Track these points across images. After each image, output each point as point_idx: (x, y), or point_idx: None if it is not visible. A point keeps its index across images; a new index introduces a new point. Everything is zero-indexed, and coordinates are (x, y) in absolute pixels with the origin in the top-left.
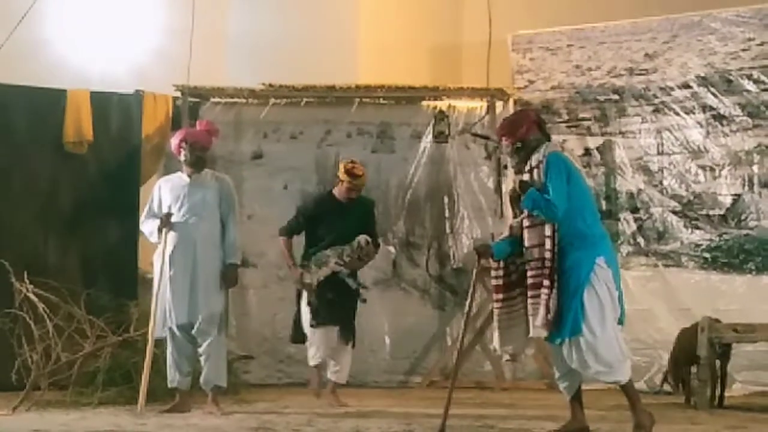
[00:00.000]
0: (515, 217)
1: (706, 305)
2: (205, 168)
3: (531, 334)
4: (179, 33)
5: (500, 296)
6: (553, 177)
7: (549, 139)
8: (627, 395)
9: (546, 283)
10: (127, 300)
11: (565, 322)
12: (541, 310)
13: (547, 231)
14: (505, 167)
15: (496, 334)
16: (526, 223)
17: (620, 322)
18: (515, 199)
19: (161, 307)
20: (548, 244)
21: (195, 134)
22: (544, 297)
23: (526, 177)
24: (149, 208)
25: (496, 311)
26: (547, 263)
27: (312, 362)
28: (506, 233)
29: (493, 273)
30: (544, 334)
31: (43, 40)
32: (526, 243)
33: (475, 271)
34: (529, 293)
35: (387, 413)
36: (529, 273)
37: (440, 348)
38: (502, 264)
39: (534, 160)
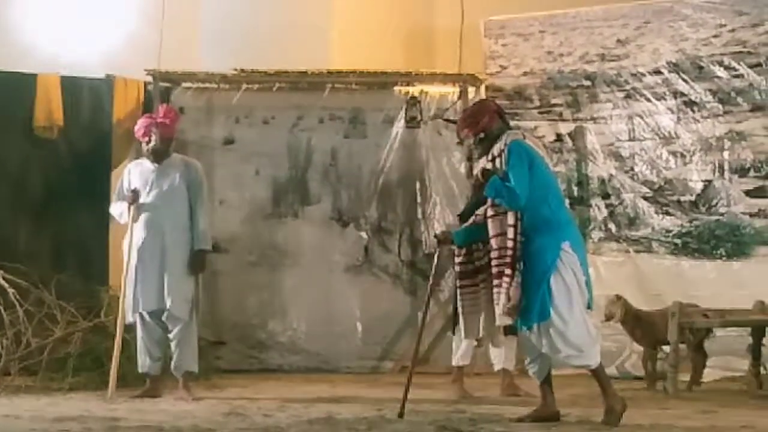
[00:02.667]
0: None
1: (677, 291)
2: (172, 153)
3: (497, 323)
4: (151, 17)
5: (464, 282)
6: (515, 165)
7: (509, 128)
8: (598, 379)
9: (507, 271)
10: (98, 285)
11: (532, 307)
12: (503, 299)
13: (510, 220)
14: (469, 159)
15: (461, 321)
16: (489, 212)
17: (589, 306)
18: (478, 188)
19: (131, 292)
20: (510, 233)
21: (158, 122)
22: (505, 285)
23: (488, 166)
24: (119, 192)
25: (459, 298)
26: (509, 252)
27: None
28: (471, 220)
29: (456, 260)
30: (508, 321)
31: (13, 25)
32: (490, 232)
33: (436, 258)
34: (494, 282)
35: (359, 398)
36: (492, 262)
37: (412, 333)
38: (465, 251)
39: (496, 149)
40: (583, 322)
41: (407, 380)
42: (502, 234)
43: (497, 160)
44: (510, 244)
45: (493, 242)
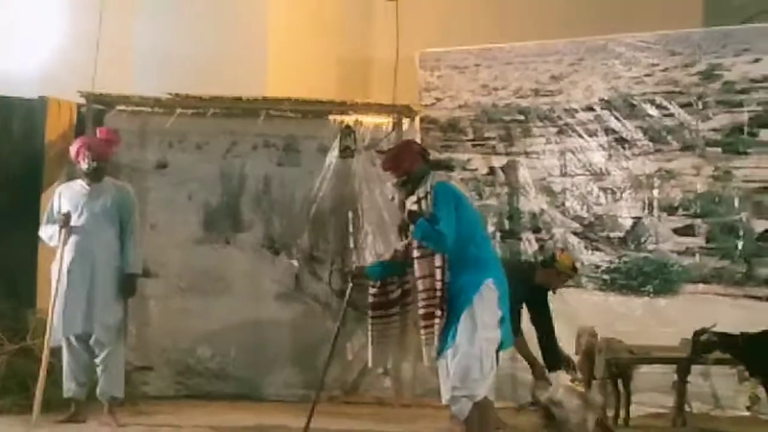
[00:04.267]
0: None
1: (604, 326)
2: (105, 176)
3: (427, 364)
4: (85, 39)
5: (375, 313)
6: (442, 207)
7: (433, 168)
8: (480, 411)
9: (438, 313)
10: (26, 307)
11: (444, 339)
12: (436, 342)
13: (437, 262)
14: (392, 198)
15: (369, 349)
16: (416, 254)
17: (502, 345)
18: (404, 229)
19: (58, 315)
20: (438, 274)
21: (95, 143)
22: (437, 327)
23: (414, 207)
24: (49, 215)
25: (369, 327)
26: (438, 293)
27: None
28: (387, 256)
29: (371, 291)
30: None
31: None
32: (417, 273)
33: (348, 291)
34: (422, 323)
35: (285, 428)
36: (420, 303)
37: (341, 362)
38: (379, 284)
39: (421, 190)
40: (479, 359)
41: (311, 407)
42: (430, 276)
43: (423, 202)
44: (438, 285)
45: (420, 284)
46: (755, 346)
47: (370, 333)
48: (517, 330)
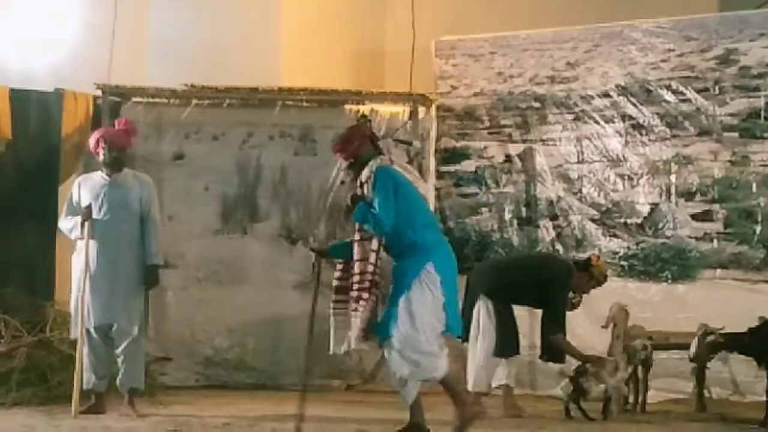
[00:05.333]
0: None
1: None
2: (125, 168)
3: (352, 346)
4: (101, 31)
5: (338, 298)
6: (380, 191)
7: (381, 154)
8: (446, 389)
9: (365, 296)
10: (44, 300)
11: (384, 326)
12: (357, 323)
13: (373, 245)
14: (342, 182)
15: (331, 334)
16: (356, 236)
17: (449, 329)
18: (349, 213)
19: (81, 307)
20: (372, 257)
21: (113, 134)
22: (360, 310)
23: (358, 191)
24: (68, 206)
25: (332, 312)
26: (368, 276)
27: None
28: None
29: (335, 275)
30: (362, 346)
31: None
32: (355, 256)
33: (314, 271)
34: (353, 306)
35: (303, 416)
36: (353, 286)
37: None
38: (342, 266)
39: (364, 175)
40: (426, 338)
41: (301, 397)
42: (365, 259)
43: (365, 186)
44: (370, 269)
45: (356, 266)
46: (760, 338)
47: (331, 318)
48: (561, 327)
